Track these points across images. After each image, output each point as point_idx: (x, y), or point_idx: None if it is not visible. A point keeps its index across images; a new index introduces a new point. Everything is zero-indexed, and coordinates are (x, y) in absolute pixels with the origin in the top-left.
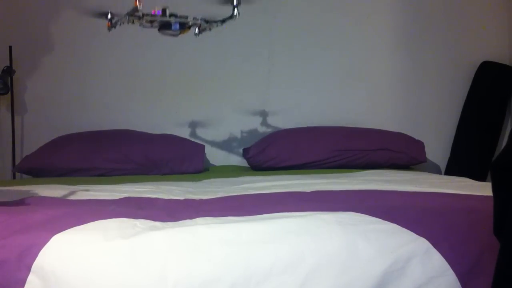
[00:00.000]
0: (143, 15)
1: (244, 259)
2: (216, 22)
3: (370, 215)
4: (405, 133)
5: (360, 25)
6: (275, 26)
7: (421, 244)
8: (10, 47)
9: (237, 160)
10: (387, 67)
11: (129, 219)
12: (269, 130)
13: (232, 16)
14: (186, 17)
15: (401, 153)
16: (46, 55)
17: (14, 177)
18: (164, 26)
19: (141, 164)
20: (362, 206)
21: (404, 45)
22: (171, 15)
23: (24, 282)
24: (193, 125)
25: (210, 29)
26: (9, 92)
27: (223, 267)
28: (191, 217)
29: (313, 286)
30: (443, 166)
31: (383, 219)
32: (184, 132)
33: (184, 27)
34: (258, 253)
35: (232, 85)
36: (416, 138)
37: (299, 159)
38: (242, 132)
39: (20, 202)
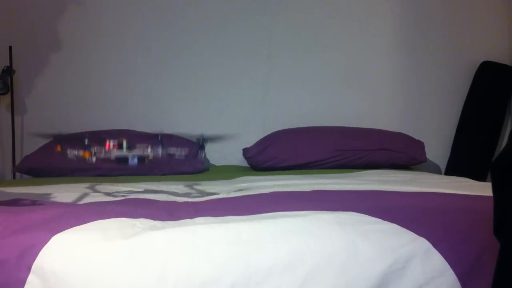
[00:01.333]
0: (94, 152)
1: (244, 259)
2: (175, 154)
3: (370, 215)
4: (405, 133)
5: (360, 25)
6: (275, 26)
7: (421, 244)
8: (10, 47)
9: (237, 160)
10: (387, 67)
11: (129, 219)
12: (269, 130)
13: (197, 154)
14: (144, 150)
15: (401, 153)
16: (46, 55)
17: (14, 177)
18: (120, 160)
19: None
20: (362, 206)
21: (404, 45)
22: (128, 147)
23: (24, 282)
24: (193, 125)
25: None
26: (9, 92)
27: (223, 267)
28: (191, 217)
29: (313, 286)
30: (443, 166)
31: (383, 219)
32: (184, 132)
33: (143, 160)
34: (258, 253)
35: (232, 85)
36: (416, 138)
37: (299, 159)
38: (242, 132)
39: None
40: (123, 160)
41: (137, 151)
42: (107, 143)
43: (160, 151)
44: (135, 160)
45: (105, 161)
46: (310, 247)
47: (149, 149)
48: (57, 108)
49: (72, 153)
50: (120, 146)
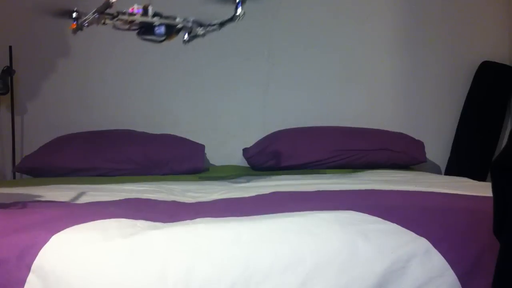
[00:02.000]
0: (118, 13)
1: (244, 259)
2: (212, 25)
3: (370, 215)
4: (405, 133)
5: (360, 25)
6: (275, 26)
7: (421, 244)
8: (10, 47)
9: (237, 160)
10: (387, 67)
11: (129, 219)
12: (269, 130)
13: (233, 18)
14: (175, 18)
15: (401, 153)
16: (46, 55)
17: (14, 177)
18: (146, 30)
19: (141, 164)
20: (362, 206)
21: (404, 45)
22: (154, 14)
23: (24, 281)
24: (193, 125)
25: (203, 35)
26: (9, 92)
27: (223, 267)
28: (191, 218)
29: (313, 286)
30: (443, 166)
31: (383, 219)
32: (184, 132)
33: (171, 31)
34: (258, 253)
35: (232, 85)
36: (416, 138)
37: (299, 159)
38: (242, 132)
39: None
40: (149, 28)
41: (166, 20)
42: (131, 8)
43: (191, 23)
44: (162, 29)
45: (129, 25)
46: (310, 247)
47: (178, 19)
48: (57, 108)
49: (91, 19)
50: (144, 12)
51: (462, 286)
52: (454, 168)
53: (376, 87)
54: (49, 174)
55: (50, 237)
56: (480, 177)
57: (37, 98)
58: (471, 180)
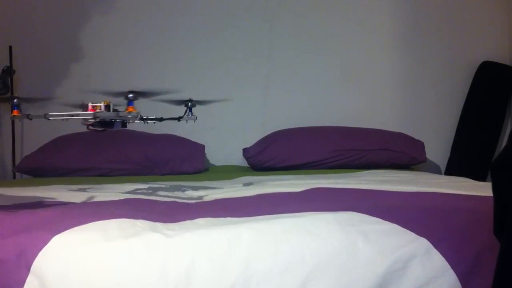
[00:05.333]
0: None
1: (244, 259)
2: (152, 118)
3: (370, 215)
4: (405, 133)
5: (360, 25)
6: (275, 26)
7: (422, 244)
8: (10, 47)
9: (237, 160)
10: (387, 67)
11: (129, 220)
12: (269, 130)
13: (179, 119)
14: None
15: (401, 153)
16: (46, 55)
17: (14, 177)
18: (102, 124)
19: (141, 164)
20: (362, 206)
21: (404, 45)
22: (114, 110)
23: (23, 282)
24: (193, 125)
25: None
26: (9, 92)
27: (224, 267)
28: (191, 218)
29: (314, 286)
30: (443, 166)
31: (384, 219)
32: (184, 132)
33: (125, 125)
34: (258, 253)
35: (232, 85)
36: (416, 138)
37: (299, 159)
38: (242, 132)
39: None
40: (106, 123)
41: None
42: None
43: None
44: (119, 124)
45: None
46: (311, 247)
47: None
48: (57, 108)
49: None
50: (108, 109)
51: (462, 286)
52: (454, 168)
53: (376, 87)
54: (49, 174)
55: (50, 238)
56: (480, 177)
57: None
58: (471, 180)
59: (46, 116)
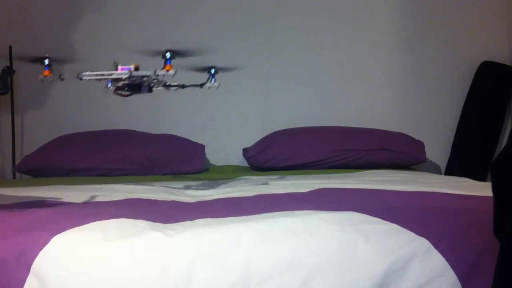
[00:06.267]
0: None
1: (244, 259)
2: (175, 85)
3: (370, 215)
4: (405, 133)
5: (360, 25)
6: (275, 26)
7: (422, 244)
8: (10, 47)
9: (237, 160)
10: (387, 67)
11: (129, 219)
12: (269, 130)
13: (201, 85)
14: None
15: (401, 153)
16: (46, 55)
17: (14, 177)
18: (130, 87)
19: (141, 164)
20: (362, 206)
21: (404, 45)
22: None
23: (23, 282)
24: (193, 125)
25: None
26: (9, 92)
27: (224, 267)
28: (191, 218)
29: (314, 286)
30: (443, 166)
31: (384, 219)
32: (184, 132)
33: (151, 90)
34: (258, 253)
35: (232, 85)
36: (416, 138)
37: (299, 159)
38: (242, 132)
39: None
40: (134, 86)
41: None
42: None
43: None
44: (147, 89)
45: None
46: (311, 247)
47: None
48: (57, 108)
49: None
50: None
51: (462, 286)
52: (454, 168)
53: (376, 87)
54: (49, 174)
55: (50, 238)
56: (480, 177)
57: (37, 98)
58: (471, 180)
59: (79, 76)
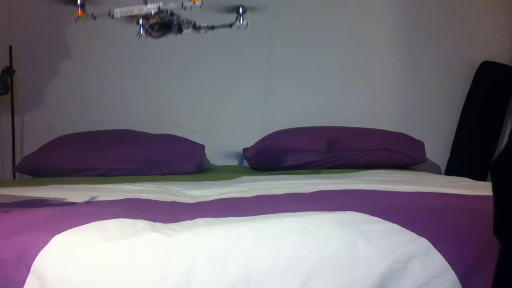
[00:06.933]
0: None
1: (244, 259)
2: (204, 27)
3: (371, 215)
4: (405, 133)
5: (360, 25)
6: (275, 26)
7: (422, 244)
8: (10, 47)
9: (237, 160)
10: (387, 67)
11: (129, 219)
12: (269, 130)
13: (231, 25)
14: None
15: (401, 153)
16: (46, 55)
17: (14, 177)
18: (160, 27)
19: (141, 164)
20: (362, 206)
21: (404, 45)
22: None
23: (23, 282)
24: (193, 125)
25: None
26: (9, 92)
27: (224, 267)
28: (191, 218)
29: (314, 286)
30: (443, 166)
31: (384, 219)
32: (184, 132)
33: (181, 30)
34: (258, 253)
35: (232, 85)
36: (416, 138)
37: (299, 159)
38: (242, 132)
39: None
40: (166, 26)
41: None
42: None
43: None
44: (176, 28)
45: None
46: (311, 247)
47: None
48: (57, 108)
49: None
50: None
51: (462, 286)
52: (454, 168)
53: (376, 87)
54: (49, 174)
55: (50, 238)
56: (480, 177)
57: (37, 98)
58: (471, 180)
59: (110, 13)
